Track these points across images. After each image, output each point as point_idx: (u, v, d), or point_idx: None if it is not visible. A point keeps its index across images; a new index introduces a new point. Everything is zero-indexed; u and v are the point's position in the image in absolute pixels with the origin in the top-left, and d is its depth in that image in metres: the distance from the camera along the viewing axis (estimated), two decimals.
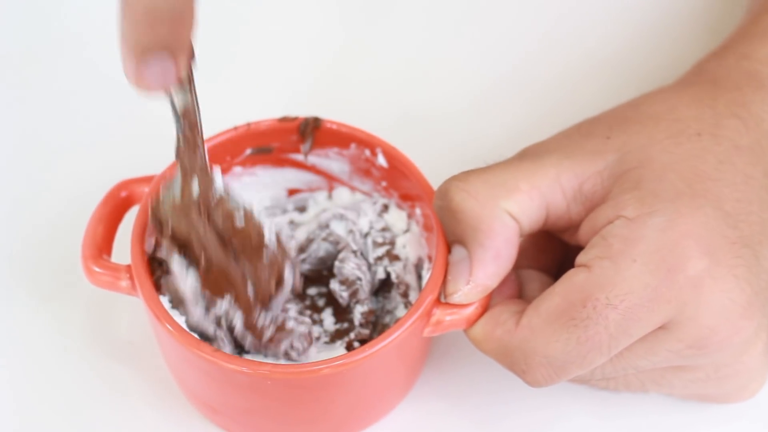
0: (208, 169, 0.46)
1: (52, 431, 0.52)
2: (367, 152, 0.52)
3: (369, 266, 0.52)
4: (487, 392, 0.52)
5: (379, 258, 0.52)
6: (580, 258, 0.46)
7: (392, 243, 0.52)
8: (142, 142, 0.58)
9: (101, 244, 0.49)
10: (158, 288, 0.49)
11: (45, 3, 0.65)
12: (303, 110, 0.53)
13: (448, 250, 0.48)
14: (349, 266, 0.51)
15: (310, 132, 0.53)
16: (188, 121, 0.45)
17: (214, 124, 0.52)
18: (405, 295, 0.51)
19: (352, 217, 0.52)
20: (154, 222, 0.47)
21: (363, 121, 0.53)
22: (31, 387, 0.53)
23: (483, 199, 0.47)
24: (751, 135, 0.49)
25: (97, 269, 0.49)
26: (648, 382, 0.49)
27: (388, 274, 0.52)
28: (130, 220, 0.50)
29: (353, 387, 0.48)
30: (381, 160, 0.52)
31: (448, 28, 0.66)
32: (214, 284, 0.47)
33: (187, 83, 0.44)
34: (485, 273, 0.47)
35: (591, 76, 0.63)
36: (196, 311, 0.47)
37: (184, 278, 0.47)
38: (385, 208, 0.53)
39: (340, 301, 0.52)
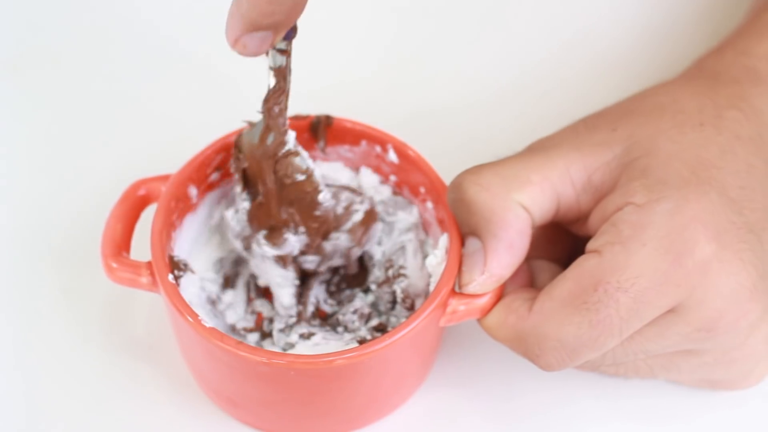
0: (286, 125, 0.49)
1: (69, 425, 0.52)
2: (378, 149, 0.53)
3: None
4: (500, 380, 0.54)
5: (386, 281, 0.53)
6: (591, 244, 0.48)
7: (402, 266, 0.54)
8: (160, 142, 0.59)
9: (120, 242, 0.50)
10: (178, 284, 0.50)
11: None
12: (309, 108, 0.54)
13: (462, 243, 0.50)
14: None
15: (323, 129, 0.54)
16: (280, 77, 0.48)
17: (226, 124, 0.53)
18: (411, 307, 0.53)
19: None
20: (235, 152, 0.51)
21: (371, 119, 0.54)
22: (50, 381, 0.53)
23: (496, 192, 0.48)
24: (752, 126, 0.50)
25: (117, 266, 0.50)
26: (657, 368, 0.51)
27: (393, 292, 0.53)
28: (145, 218, 0.51)
29: (373, 376, 0.49)
30: (392, 156, 0.53)
31: (457, 26, 0.67)
32: (258, 216, 0.51)
33: (285, 52, 0.47)
34: (499, 263, 0.48)
35: (597, 74, 0.65)
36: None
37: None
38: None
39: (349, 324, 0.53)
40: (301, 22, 0.67)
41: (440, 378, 0.53)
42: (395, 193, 0.55)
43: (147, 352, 0.54)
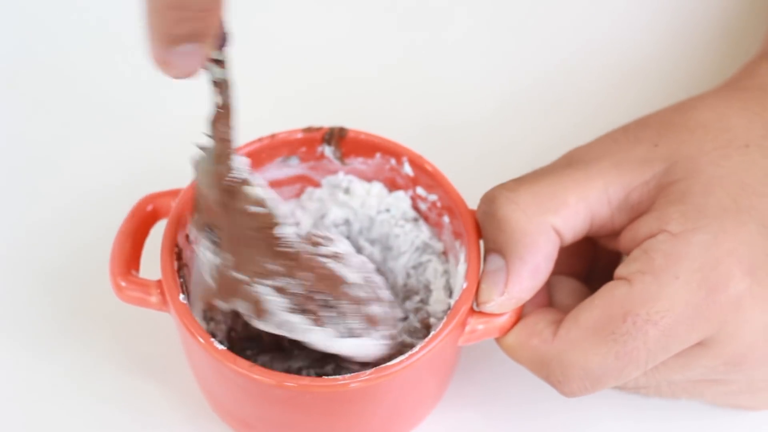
0: (232, 148, 0.45)
1: None
2: (393, 161, 0.52)
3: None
4: (517, 400, 0.52)
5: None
6: (621, 271, 0.46)
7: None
8: (169, 156, 0.58)
9: (129, 260, 0.49)
10: (189, 302, 0.48)
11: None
12: (322, 120, 0.53)
13: (482, 260, 0.48)
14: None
15: (336, 142, 0.52)
16: (223, 93, 0.44)
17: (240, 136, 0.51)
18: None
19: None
20: (196, 195, 0.47)
21: (384, 131, 0.53)
22: (58, 402, 0.52)
23: (531, 213, 0.47)
24: None
25: (126, 285, 0.48)
26: (679, 391, 0.50)
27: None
28: (155, 234, 0.50)
29: (390, 398, 0.48)
30: (407, 169, 0.52)
31: (472, 36, 0.66)
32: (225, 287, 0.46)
33: (221, 63, 0.43)
34: (521, 286, 0.47)
35: (616, 85, 0.63)
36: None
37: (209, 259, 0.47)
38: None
39: None
40: (309, 32, 0.66)
41: (457, 397, 0.52)
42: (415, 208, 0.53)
43: (159, 372, 0.53)
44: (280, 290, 0.46)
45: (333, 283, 0.48)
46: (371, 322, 0.48)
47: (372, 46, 0.65)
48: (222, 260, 0.46)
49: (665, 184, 0.47)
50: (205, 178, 0.46)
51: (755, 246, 0.45)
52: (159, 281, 0.48)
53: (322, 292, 0.47)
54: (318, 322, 0.47)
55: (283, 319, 0.46)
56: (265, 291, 0.46)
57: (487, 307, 0.47)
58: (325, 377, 0.46)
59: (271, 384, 0.45)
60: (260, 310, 0.46)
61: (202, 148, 0.46)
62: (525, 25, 0.66)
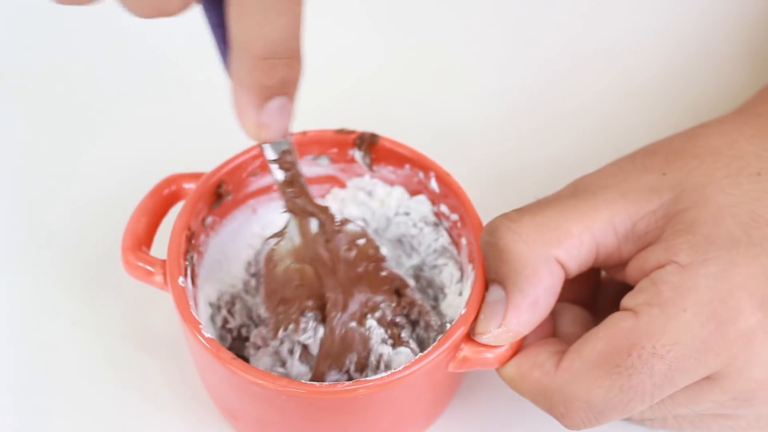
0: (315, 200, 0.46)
1: (75, 419, 0.52)
2: (421, 174, 0.51)
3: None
4: (516, 427, 0.51)
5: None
6: (627, 301, 0.45)
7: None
8: (195, 138, 0.58)
9: (142, 237, 0.49)
10: (195, 286, 0.49)
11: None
12: (329, 122, 0.52)
13: (486, 288, 0.47)
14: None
15: (366, 147, 0.52)
16: (290, 162, 0.45)
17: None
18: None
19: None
20: (271, 291, 0.47)
21: (397, 135, 0.52)
22: (59, 374, 0.53)
23: (533, 244, 0.46)
24: None
25: (134, 261, 0.49)
26: (685, 424, 0.48)
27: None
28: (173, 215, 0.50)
29: (369, 413, 0.47)
30: (433, 185, 0.51)
31: (485, 43, 0.64)
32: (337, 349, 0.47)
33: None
34: (519, 320, 0.46)
35: (627, 96, 0.61)
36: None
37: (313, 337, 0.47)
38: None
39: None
40: (322, 37, 0.65)
41: (450, 422, 0.51)
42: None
43: (162, 351, 0.53)
44: (380, 321, 0.48)
45: (404, 294, 0.49)
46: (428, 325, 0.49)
47: (381, 52, 0.64)
48: (329, 327, 0.47)
49: (673, 213, 0.45)
50: (292, 254, 0.47)
51: (766, 279, 0.44)
52: (164, 261, 0.48)
53: (403, 311, 0.49)
54: (399, 342, 0.48)
55: (378, 354, 0.47)
56: (371, 325, 0.47)
57: (484, 339, 0.46)
58: (304, 382, 0.45)
59: (248, 380, 0.45)
60: (366, 354, 0.47)
61: (276, 235, 0.47)
62: (541, 33, 0.64)
